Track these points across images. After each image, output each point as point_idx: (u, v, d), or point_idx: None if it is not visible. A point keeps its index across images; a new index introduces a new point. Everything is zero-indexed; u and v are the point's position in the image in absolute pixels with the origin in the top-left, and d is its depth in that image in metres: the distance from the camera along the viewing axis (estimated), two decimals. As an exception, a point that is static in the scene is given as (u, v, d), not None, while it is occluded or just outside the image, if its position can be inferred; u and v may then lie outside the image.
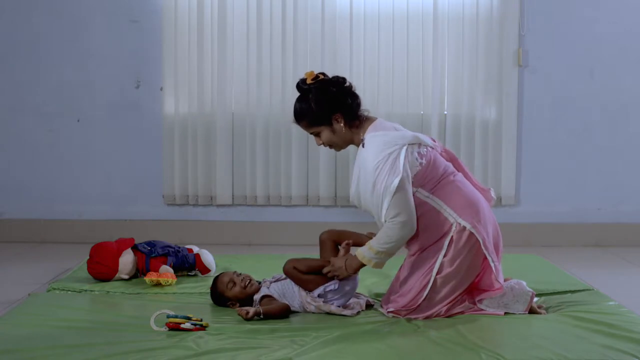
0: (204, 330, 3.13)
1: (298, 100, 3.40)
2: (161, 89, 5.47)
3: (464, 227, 3.27)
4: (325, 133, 3.38)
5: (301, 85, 3.39)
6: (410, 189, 3.24)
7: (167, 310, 3.21)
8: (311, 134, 3.43)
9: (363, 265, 3.31)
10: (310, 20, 5.41)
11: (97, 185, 5.54)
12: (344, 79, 3.42)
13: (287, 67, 5.41)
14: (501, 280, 3.33)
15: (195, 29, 5.40)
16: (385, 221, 3.23)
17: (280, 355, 2.80)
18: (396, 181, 3.18)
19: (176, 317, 3.13)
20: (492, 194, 3.54)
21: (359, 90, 5.28)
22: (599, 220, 5.55)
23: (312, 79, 3.36)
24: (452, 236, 3.28)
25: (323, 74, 3.40)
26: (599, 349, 2.88)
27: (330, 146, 3.44)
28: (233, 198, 5.49)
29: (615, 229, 5.53)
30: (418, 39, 5.43)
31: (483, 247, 3.27)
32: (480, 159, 5.46)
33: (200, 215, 5.53)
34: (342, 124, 3.36)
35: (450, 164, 3.44)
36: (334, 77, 3.41)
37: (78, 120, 5.52)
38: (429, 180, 3.31)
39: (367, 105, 5.31)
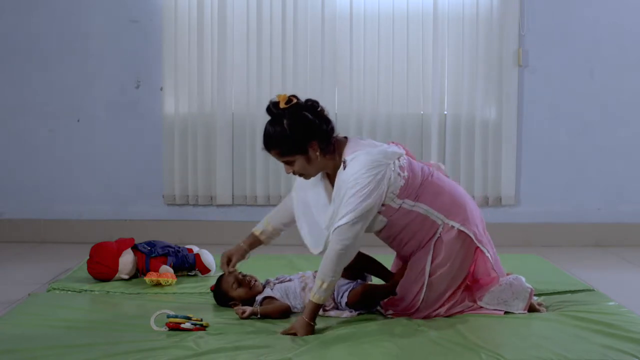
0: (204, 330, 3.13)
1: (271, 125, 3.16)
2: (161, 89, 5.47)
3: (452, 226, 3.25)
4: (300, 162, 3.17)
5: (273, 109, 3.16)
6: (368, 222, 3.15)
7: (167, 310, 3.21)
8: (283, 162, 3.21)
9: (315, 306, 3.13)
10: (310, 20, 5.41)
11: (97, 185, 5.54)
12: (317, 103, 3.21)
13: (287, 67, 5.41)
14: (499, 269, 3.32)
15: (195, 29, 5.40)
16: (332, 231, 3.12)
17: (280, 355, 2.80)
18: (367, 204, 3.09)
19: (176, 317, 3.14)
20: (443, 168, 3.46)
21: (359, 90, 5.42)
22: (599, 220, 5.55)
23: (285, 103, 3.13)
24: (439, 237, 3.25)
25: (295, 96, 3.18)
26: (599, 349, 2.87)
27: (302, 175, 3.24)
28: (233, 198, 5.49)
29: (615, 229, 5.53)
30: (418, 39, 5.43)
31: (476, 241, 3.26)
32: (480, 159, 5.46)
33: (200, 215, 5.53)
34: (317, 152, 3.16)
35: (423, 164, 3.36)
36: (307, 101, 3.20)
37: (78, 120, 5.52)
38: (412, 188, 3.22)
39: (367, 104, 5.40)
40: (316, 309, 3.12)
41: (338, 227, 3.08)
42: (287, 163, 3.20)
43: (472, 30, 5.43)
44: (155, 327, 3.11)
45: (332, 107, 5.45)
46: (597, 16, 5.48)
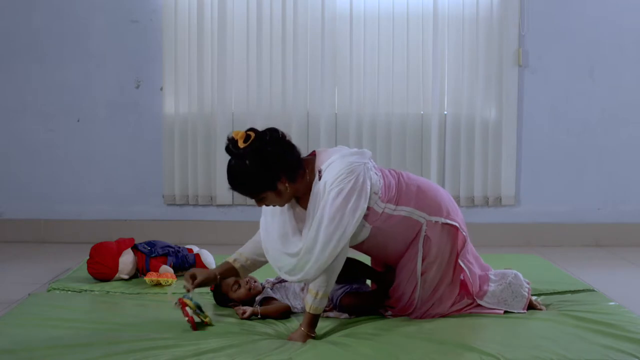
0: (205, 325, 3.14)
1: (233, 166, 3.01)
2: (161, 89, 5.48)
3: (436, 222, 3.23)
4: (270, 197, 3.05)
5: (232, 149, 2.98)
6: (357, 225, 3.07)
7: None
8: (252, 198, 3.11)
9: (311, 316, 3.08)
10: (310, 20, 5.42)
11: (97, 185, 5.54)
12: (276, 131, 3.05)
13: (287, 67, 5.41)
14: (466, 259, 3.31)
15: (195, 29, 5.40)
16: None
17: (280, 356, 2.80)
18: (355, 215, 3.02)
19: (191, 299, 3.15)
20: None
21: (359, 90, 5.42)
22: (599, 220, 5.56)
23: (244, 141, 2.96)
24: (425, 235, 3.23)
25: (253, 130, 3.01)
26: (599, 349, 2.88)
27: (274, 205, 3.14)
28: (233, 198, 5.49)
29: (615, 229, 5.54)
30: (418, 39, 5.43)
31: (462, 230, 3.27)
32: (480, 159, 5.46)
33: (200, 215, 5.54)
34: (286, 185, 3.03)
35: (387, 168, 3.34)
36: (266, 133, 3.02)
37: (78, 120, 5.52)
38: (390, 190, 3.20)
39: (367, 104, 5.40)
40: (314, 320, 3.08)
41: (333, 242, 3.01)
42: (257, 200, 3.08)
43: (472, 30, 5.43)
44: (169, 296, 3.16)
45: (332, 107, 5.46)
46: (597, 16, 5.48)
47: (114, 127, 5.52)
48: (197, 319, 3.15)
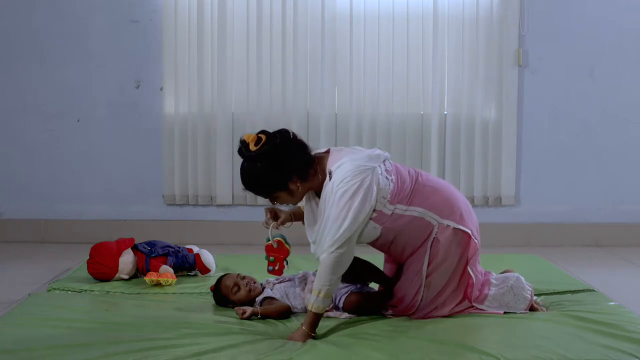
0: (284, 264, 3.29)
1: (245, 168, 3.16)
2: (161, 89, 5.48)
3: (448, 226, 3.24)
4: (283, 196, 3.19)
5: (245, 152, 3.12)
6: (361, 227, 3.12)
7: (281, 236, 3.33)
8: (265, 198, 3.25)
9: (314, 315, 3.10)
10: (310, 20, 5.42)
11: (97, 185, 5.54)
12: (287, 132, 3.16)
13: (287, 67, 5.41)
14: (475, 268, 3.32)
15: (195, 29, 5.40)
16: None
17: (281, 356, 2.80)
18: (357, 214, 3.07)
19: (284, 237, 3.28)
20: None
21: (359, 90, 5.42)
22: (598, 220, 5.56)
23: (255, 144, 3.10)
24: (435, 237, 3.23)
25: (264, 132, 3.13)
26: (599, 349, 2.88)
27: (288, 203, 3.27)
28: (233, 198, 5.49)
29: (615, 229, 5.53)
30: (418, 39, 5.43)
31: (474, 238, 3.26)
32: (480, 159, 5.46)
33: (200, 215, 5.54)
34: (298, 184, 3.15)
35: (407, 167, 3.36)
36: (277, 135, 3.13)
37: (78, 120, 5.52)
38: (402, 191, 3.21)
39: (367, 104, 5.40)
40: (316, 319, 3.09)
41: (334, 240, 3.06)
42: (270, 199, 3.22)
43: (472, 30, 5.43)
44: (271, 232, 3.27)
45: (332, 107, 5.46)
46: (597, 16, 5.48)
47: (114, 127, 5.52)
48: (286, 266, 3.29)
